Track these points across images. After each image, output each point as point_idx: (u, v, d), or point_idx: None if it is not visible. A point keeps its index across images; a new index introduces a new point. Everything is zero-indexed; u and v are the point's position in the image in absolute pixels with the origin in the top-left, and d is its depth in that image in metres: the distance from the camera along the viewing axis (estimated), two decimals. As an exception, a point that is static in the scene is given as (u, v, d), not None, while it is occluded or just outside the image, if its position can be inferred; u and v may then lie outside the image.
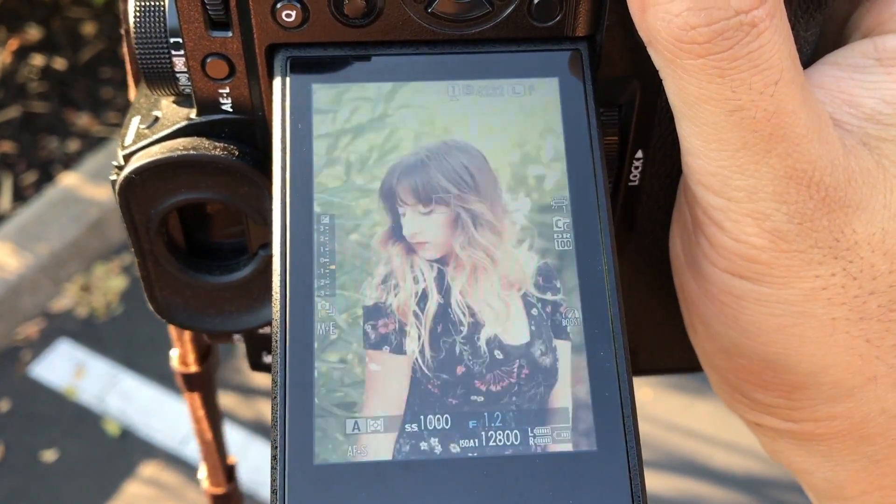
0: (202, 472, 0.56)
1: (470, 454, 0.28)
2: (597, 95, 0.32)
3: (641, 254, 0.39)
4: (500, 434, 0.28)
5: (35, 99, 2.68)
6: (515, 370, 0.29)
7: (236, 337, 0.43)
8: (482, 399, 0.29)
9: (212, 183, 0.36)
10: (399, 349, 0.29)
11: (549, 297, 0.30)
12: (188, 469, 1.94)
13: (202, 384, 0.49)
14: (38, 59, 2.76)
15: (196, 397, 0.50)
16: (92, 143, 2.56)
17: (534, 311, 0.30)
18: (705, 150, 0.30)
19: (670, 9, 0.28)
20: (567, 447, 0.28)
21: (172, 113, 0.36)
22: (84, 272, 2.31)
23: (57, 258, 2.26)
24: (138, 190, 0.35)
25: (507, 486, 0.28)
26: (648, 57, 0.30)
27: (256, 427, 2.00)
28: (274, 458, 0.28)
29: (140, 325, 2.20)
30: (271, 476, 0.28)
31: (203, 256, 0.39)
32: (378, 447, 0.28)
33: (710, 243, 0.32)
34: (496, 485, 0.28)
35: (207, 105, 0.35)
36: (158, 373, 2.11)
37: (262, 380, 2.08)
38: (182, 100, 0.36)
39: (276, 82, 0.32)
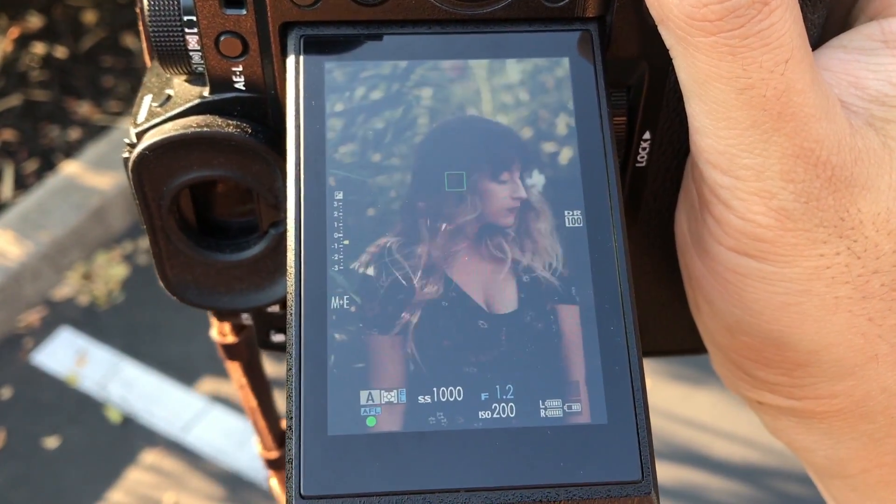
0: (255, 439, 0.57)
1: (482, 426, 0.28)
2: (607, 76, 0.33)
3: (647, 235, 0.40)
4: (511, 406, 0.29)
5: (36, 87, 2.68)
6: (528, 343, 0.29)
7: (245, 316, 0.43)
8: (494, 371, 0.29)
9: (224, 160, 0.36)
10: (412, 322, 0.30)
11: (559, 272, 0.30)
12: (190, 456, 1.95)
13: (241, 353, 0.50)
14: (39, 48, 2.76)
15: (237, 366, 0.51)
16: (93, 131, 2.56)
17: (538, 285, 0.30)
18: (714, 129, 0.30)
19: None
20: (578, 419, 0.29)
21: (185, 91, 0.36)
22: (85, 260, 2.32)
23: (58, 246, 2.26)
24: (151, 167, 0.36)
25: (519, 457, 0.28)
26: (657, 39, 0.31)
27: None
28: (289, 428, 0.28)
29: (141, 313, 2.21)
30: (286, 446, 0.28)
31: (214, 235, 0.40)
32: (392, 419, 0.28)
33: (716, 221, 0.32)
34: (508, 456, 0.28)
35: (220, 83, 0.35)
36: (160, 360, 2.12)
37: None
38: (194, 78, 0.37)
39: (290, 60, 0.33)
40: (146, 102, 0.37)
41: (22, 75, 2.70)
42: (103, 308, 2.23)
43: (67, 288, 2.27)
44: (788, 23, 0.28)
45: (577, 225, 0.31)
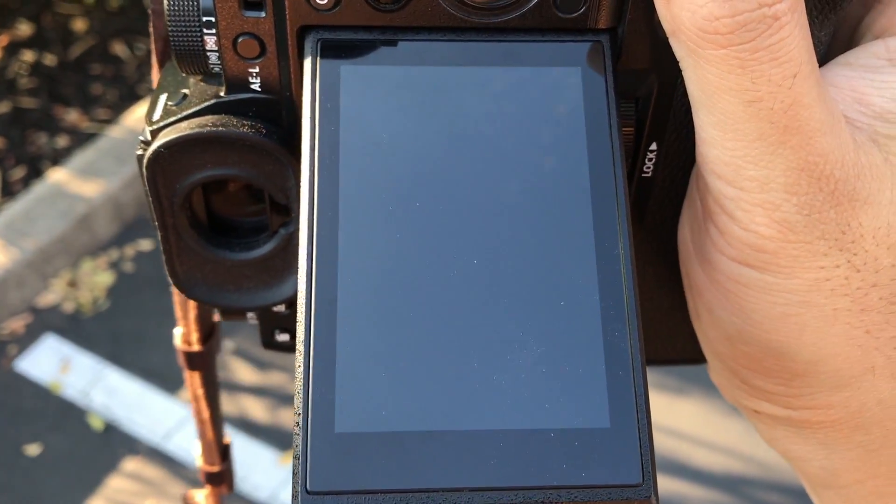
0: (197, 450, 0.57)
1: (488, 426, 0.29)
2: (617, 86, 0.33)
3: (650, 244, 0.40)
4: (517, 407, 0.29)
5: (24, 95, 2.69)
6: (531, 346, 0.30)
7: (249, 315, 0.44)
8: (502, 372, 0.30)
9: (238, 160, 0.36)
10: (419, 322, 0.30)
11: (566, 279, 0.31)
12: (171, 464, 1.95)
13: (203, 363, 0.50)
14: (28, 55, 2.77)
15: (196, 376, 0.51)
16: (81, 138, 2.57)
17: (546, 288, 0.31)
18: (721, 140, 0.30)
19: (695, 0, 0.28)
20: (581, 423, 0.29)
21: (201, 91, 0.37)
22: (71, 267, 2.32)
23: (44, 253, 2.27)
24: (166, 164, 0.36)
25: (523, 458, 0.29)
26: (667, 52, 0.31)
27: (238, 423, 2.01)
28: (297, 424, 0.29)
29: (126, 321, 2.21)
30: (294, 442, 0.28)
31: (224, 233, 0.40)
32: (399, 417, 0.29)
33: (719, 232, 0.33)
34: (512, 457, 0.28)
35: (236, 84, 0.35)
36: (143, 368, 2.12)
37: (246, 376, 2.09)
38: (210, 78, 0.37)
39: (307, 63, 0.33)
40: (162, 101, 0.37)
41: (10, 83, 2.70)
42: (88, 315, 2.23)
43: (53, 295, 2.27)
44: (798, 38, 0.29)
45: (585, 231, 0.31)
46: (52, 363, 2.13)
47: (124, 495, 1.90)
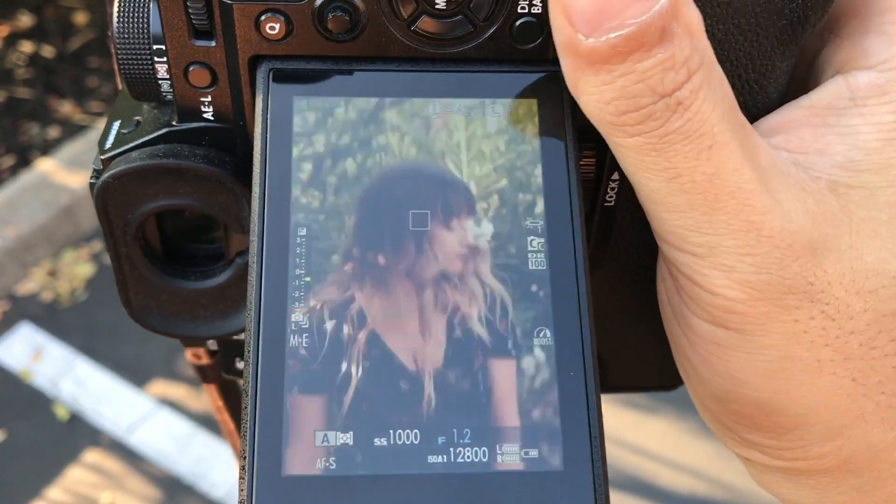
0: (235, 462, 0.58)
1: (437, 470, 0.28)
2: (575, 118, 0.33)
3: (615, 272, 0.40)
4: (468, 451, 0.29)
5: (20, 85, 2.71)
6: (480, 387, 0.29)
7: (210, 342, 0.43)
8: (452, 415, 0.29)
9: (190, 190, 0.36)
10: (363, 364, 0.29)
11: (519, 314, 0.30)
12: (131, 457, 1.95)
13: (217, 375, 0.49)
14: (26, 46, 2.80)
15: (213, 388, 0.51)
16: (72, 130, 2.59)
17: (498, 328, 0.30)
18: (657, 212, 0.31)
19: (600, 98, 0.29)
20: (534, 466, 0.28)
21: (153, 118, 0.36)
22: (52, 257, 2.34)
23: (24, 242, 2.28)
24: (116, 195, 0.35)
25: (475, 501, 0.28)
26: None
27: (203, 419, 2.01)
28: (242, 468, 0.28)
29: (102, 313, 2.22)
30: (239, 486, 0.28)
31: (179, 261, 0.39)
32: (346, 461, 0.28)
33: (687, 295, 0.33)
34: (463, 501, 0.28)
35: (188, 112, 0.35)
36: (114, 360, 2.12)
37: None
38: (163, 105, 0.37)
39: (259, 93, 0.33)
40: (115, 127, 0.37)
41: (7, 73, 2.73)
42: (65, 306, 2.25)
43: (32, 284, 2.28)
44: (707, 112, 0.29)
45: (540, 268, 0.31)
46: (25, 351, 2.14)
47: (82, 486, 1.90)
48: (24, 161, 2.50)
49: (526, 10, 0.32)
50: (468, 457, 0.28)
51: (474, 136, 0.32)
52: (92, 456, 1.95)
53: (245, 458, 0.28)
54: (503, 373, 0.29)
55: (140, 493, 1.89)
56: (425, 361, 0.29)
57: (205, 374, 0.49)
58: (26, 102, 2.67)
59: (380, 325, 0.30)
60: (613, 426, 1.95)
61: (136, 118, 0.37)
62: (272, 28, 0.32)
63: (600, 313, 0.33)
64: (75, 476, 1.91)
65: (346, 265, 0.30)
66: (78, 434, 1.99)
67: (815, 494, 0.36)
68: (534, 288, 0.30)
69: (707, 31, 0.29)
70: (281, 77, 0.33)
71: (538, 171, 0.32)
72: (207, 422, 2.00)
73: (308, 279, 0.30)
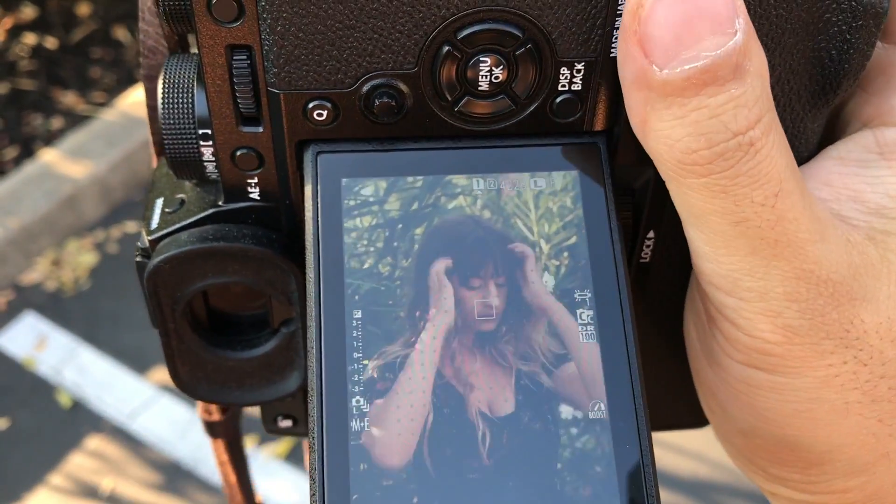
0: None
1: None
2: (614, 185, 0.34)
3: (650, 320, 0.41)
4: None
5: (24, 76, 2.73)
6: (538, 455, 0.30)
7: None
8: (513, 480, 0.30)
9: (239, 268, 0.36)
10: (424, 447, 0.30)
11: (573, 383, 0.31)
12: (133, 443, 1.96)
13: (226, 431, 0.50)
14: (30, 38, 2.81)
15: (220, 443, 0.51)
16: (76, 120, 2.60)
17: (541, 394, 0.31)
18: (714, 255, 0.31)
19: (671, 135, 0.29)
20: None
21: (198, 197, 0.36)
22: (56, 247, 2.35)
23: (28, 232, 2.30)
24: (167, 277, 0.36)
25: None
26: None
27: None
28: None
29: (105, 301, 2.23)
30: None
31: (225, 329, 0.40)
32: None
33: (724, 337, 0.33)
34: None
35: (235, 193, 0.35)
36: (116, 348, 2.13)
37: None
38: (205, 183, 0.37)
39: (308, 176, 0.33)
40: (158, 206, 0.37)
41: (11, 64, 2.75)
42: (69, 294, 2.26)
43: (36, 273, 2.30)
44: (775, 157, 0.29)
45: (590, 341, 0.31)
46: (29, 340, 2.16)
47: (84, 472, 1.91)
48: (27, 152, 2.52)
49: (566, 88, 0.32)
50: None
51: (518, 209, 0.33)
52: (94, 442, 1.96)
53: None
54: (555, 443, 0.30)
55: (141, 478, 1.90)
56: (485, 427, 0.30)
57: (213, 430, 0.50)
58: (30, 93, 2.68)
59: (441, 399, 0.30)
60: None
61: (180, 196, 0.37)
62: (319, 115, 0.32)
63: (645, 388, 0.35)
64: (77, 462, 1.93)
65: (402, 347, 0.31)
66: (80, 421, 2.00)
67: None
68: (585, 361, 0.31)
69: None
70: (328, 159, 0.33)
71: (583, 240, 0.33)
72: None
73: (365, 363, 0.31)
